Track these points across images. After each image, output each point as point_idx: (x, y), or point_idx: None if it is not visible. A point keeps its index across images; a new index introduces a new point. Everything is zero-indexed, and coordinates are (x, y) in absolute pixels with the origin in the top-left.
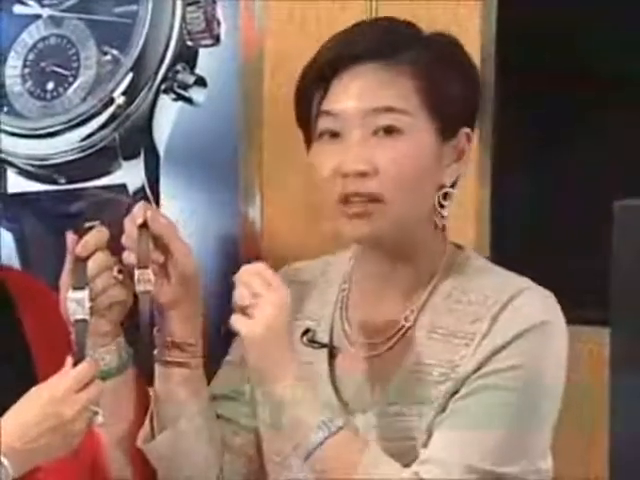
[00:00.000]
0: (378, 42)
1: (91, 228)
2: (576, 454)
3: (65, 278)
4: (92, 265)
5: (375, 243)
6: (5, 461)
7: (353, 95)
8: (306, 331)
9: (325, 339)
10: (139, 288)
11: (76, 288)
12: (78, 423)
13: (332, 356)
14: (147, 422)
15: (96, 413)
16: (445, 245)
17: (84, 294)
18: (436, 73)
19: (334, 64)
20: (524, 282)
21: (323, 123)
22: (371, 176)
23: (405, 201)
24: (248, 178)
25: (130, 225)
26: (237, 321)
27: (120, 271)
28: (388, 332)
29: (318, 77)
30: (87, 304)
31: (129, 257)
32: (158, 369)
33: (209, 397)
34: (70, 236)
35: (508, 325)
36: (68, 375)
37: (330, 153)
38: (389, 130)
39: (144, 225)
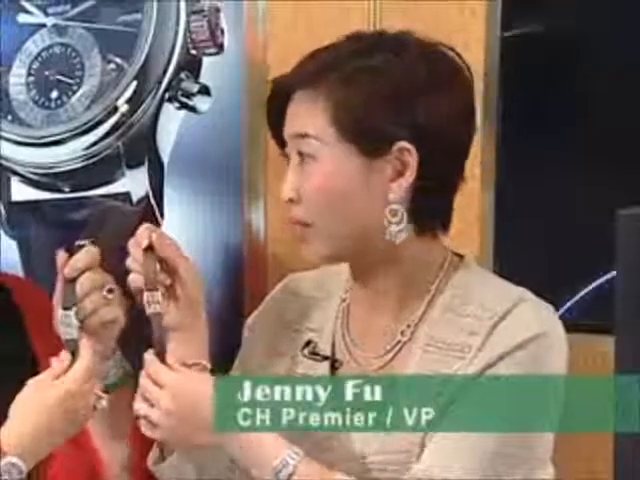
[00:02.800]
0: (305, 71)
1: (82, 247)
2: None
3: (56, 297)
4: (80, 286)
5: (329, 263)
6: (18, 461)
7: (289, 122)
8: (307, 343)
9: (327, 351)
10: (149, 310)
11: (65, 308)
12: (86, 411)
13: (334, 368)
14: (156, 444)
15: (100, 397)
16: (444, 255)
17: (72, 314)
18: (355, 99)
19: (284, 90)
20: (523, 293)
21: (286, 150)
22: (297, 203)
23: (334, 223)
24: (252, 186)
25: (135, 248)
26: (144, 429)
27: (110, 290)
28: (386, 346)
29: (277, 98)
30: (75, 323)
31: (135, 280)
32: None
33: None
34: (60, 255)
35: (506, 336)
36: (74, 373)
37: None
38: (306, 156)
39: (149, 248)
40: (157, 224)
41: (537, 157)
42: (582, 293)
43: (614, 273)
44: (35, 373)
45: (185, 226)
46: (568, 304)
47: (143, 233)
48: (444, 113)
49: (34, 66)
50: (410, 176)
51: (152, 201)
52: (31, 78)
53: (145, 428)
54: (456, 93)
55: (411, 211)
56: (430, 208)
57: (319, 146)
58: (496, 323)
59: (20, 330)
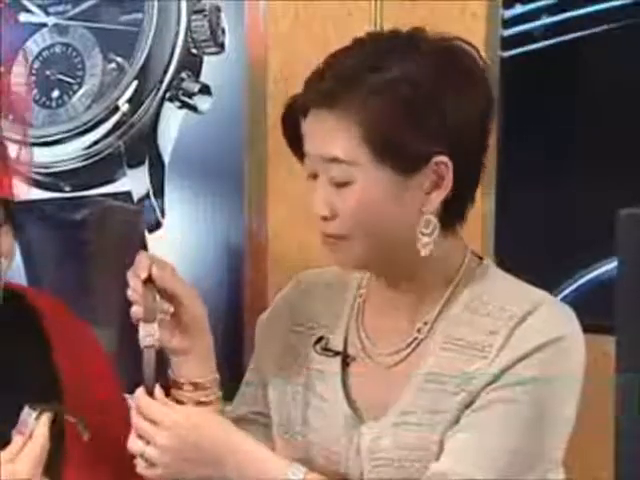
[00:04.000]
0: (331, 88)
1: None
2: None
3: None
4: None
5: (358, 270)
6: None
7: (310, 141)
8: (320, 339)
9: (339, 347)
10: (144, 343)
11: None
12: None
13: (346, 364)
14: None
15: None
16: (464, 255)
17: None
18: (384, 117)
19: (300, 107)
20: (543, 295)
21: (306, 163)
22: (332, 220)
23: (369, 237)
24: (253, 186)
25: (134, 279)
26: (140, 468)
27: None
28: (402, 343)
29: (295, 115)
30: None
31: (137, 312)
32: None
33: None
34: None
35: (525, 338)
36: (32, 450)
37: (312, 194)
38: (340, 182)
39: (149, 279)
40: (157, 223)
41: (537, 158)
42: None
43: (613, 273)
44: (53, 374)
45: (186, 225)
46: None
47: (142, 263)
48: (472, 112)
49: (35, 65)
50: (446, 188)
51: (153, 200)
52: (32, 77)
53: (141, 467)
54: (480, 88)
55: (439, 217)
56: (458, 212)
57: (351, 170)
58: (516, 324)
59: (38, 330)
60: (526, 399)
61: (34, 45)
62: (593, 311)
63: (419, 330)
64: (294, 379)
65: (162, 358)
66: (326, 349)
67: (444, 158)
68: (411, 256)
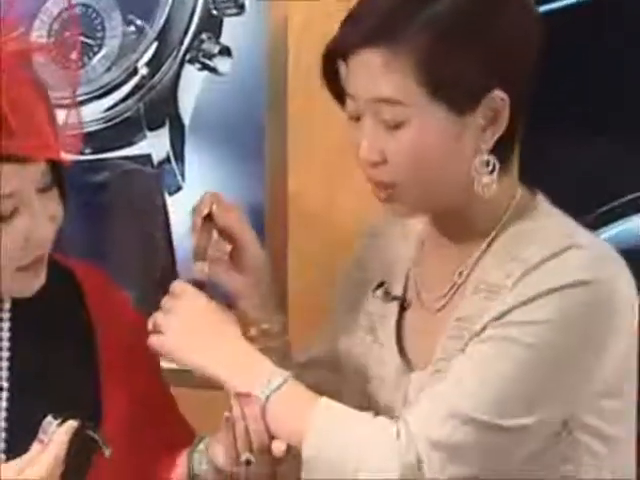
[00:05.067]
0: (376, 26)
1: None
2: None
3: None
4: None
5: (412, 217)
6: None
7: (358, 83)
8: (381, 284)
9: (398, 291)
10: (196, 277)
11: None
12: None
13: (403, 308)
14: None
15: None
16: (513, 193)
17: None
18: (439, 52)
19: (341, 49)
20: (580, 238)
21: (348, 105)
22: (381, 165)
23: (423, 183)
24: (274, 148)
25: (195, 216)
26: (151, 341)
27: None
28: (445, 288)
29: (334, 57)
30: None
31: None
32: None
33: (299, 364)
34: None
35: (539, 280)
36: (48, 458)
37: (356, 138)
38: (392, 124)
39: (209, 216)
40: (178, 186)
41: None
42: None
43: None
44: (93, 353)
45: (206, 188)
46: None
47: (205, 201)
48: (524, 43)
49: (54, 27)
50: (503, 123)
51: (173, 163)
52: (51, 39)
53: (151, 339)
54: (530, 17)
55: (494, 155)
56: (511, 148)
57: (405, 110)
58: (534, 266)
59: (83, 310)
60: (528, 341)
61: (53, 6)
62: None
63: (460, 274)
64: (360, 324)
65: None
66: (386, 293)
67: (501, 92)
68: (462, 199)
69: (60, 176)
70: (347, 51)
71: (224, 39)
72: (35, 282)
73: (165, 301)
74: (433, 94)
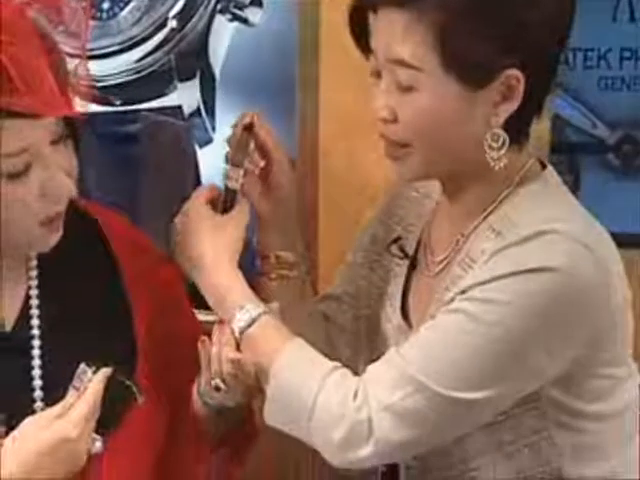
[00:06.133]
0: None
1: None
2: None
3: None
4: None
5: (419, 181)
6: None
7: (379, 40)
8: (397, 239)
9: (411, 250)
10: (228, 184)
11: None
12: (79, 456)
13: (413, 268)
14: None
15: (95, 440)
16: (522, 165)
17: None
18: (458, 26)
19: (370, 3)
20: (561, 225)
21: (372, 61)
22: (393, 123)
23: (432, 147)
24: (305, 99)
25: (237, 126)
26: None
27: None
28: (444, 253)
29: (363, 10)
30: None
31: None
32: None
33: (321, 298)
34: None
35: (508, 261)
36: (73, 418)
37: (374, 94)
38: (405, 85)
39: (249, 128)
40: (208, 138)
41: None
42: None
43: None
44: (131, 328)
45: None
46: None
47: (249, 115)
48: (549, 23)
49: None
50: (516, 101)
51: (204, 114)
52: None
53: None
54: None
55: (506, 131)
56: (525, 125)
57: (419, 75)
58: (507, 245)
59: (118, 283)
60: (485, 318)
61: None
62: None
63: (457, 242)
64: (375, 275)
65: None
66: (400, 249)
67: (515, 71)
68: (470, 169)
69: (74, 128)
70: (375, 6)
71: None
72: (55, 236)
73: (177, 218)
74: (447, 65)
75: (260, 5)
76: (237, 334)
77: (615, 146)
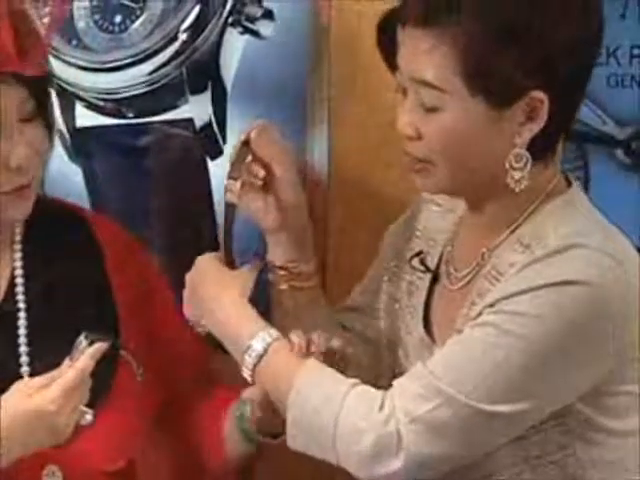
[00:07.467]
0: (422, 6)
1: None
2: None
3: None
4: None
5: (443, 193)
6: None
7: (405, 58)
8: (418, 253)
9: (433, 264)
10: (226, 198)
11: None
12: (67, 427)
13: (435, 282)
14: None
15: (85, 413)
16: (548, 182)
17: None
18: (481, 43)
19: (392, 25)
20: (589, 239)
21: (397, 76)
22: (417, 141)
23: (456, 165)
24: (316, 112)
25: (237, 141)
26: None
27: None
28: (469, 268)
29: (390, 26)
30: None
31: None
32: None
33: (338, 310)
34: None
35: (537, 274)
36: (51, 393)
37: (399, 110)
38: (429, 106)
39: (247, 142)
40: (219, 150)
41: None
42: None
43: None
44: (113, 308)
45: None
46: None
47: (250, 128)
48: (575, 46)
49: None
50: (540, 122)
51: (215, 127)
52: (95, 2)
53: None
54: (586, 19)
55: (531, 150)
56: (550, 145)
57: (443, 96)
58: (537, 259)
59: (100, 265)
60: (516, 331)
61: None
62: None
63: (482, 256)
64: (396, 288)
65: None
66: (422, 263)
67: (539, 93)
68: (493, 187)
69: (43, 106)
70: (403, 24)
71: (266, 2)
72: (21, 208)
73: (187, 275)
74: (470, 86)
75: (271, 18)
76: (251, 372)
77: (625, 143)
